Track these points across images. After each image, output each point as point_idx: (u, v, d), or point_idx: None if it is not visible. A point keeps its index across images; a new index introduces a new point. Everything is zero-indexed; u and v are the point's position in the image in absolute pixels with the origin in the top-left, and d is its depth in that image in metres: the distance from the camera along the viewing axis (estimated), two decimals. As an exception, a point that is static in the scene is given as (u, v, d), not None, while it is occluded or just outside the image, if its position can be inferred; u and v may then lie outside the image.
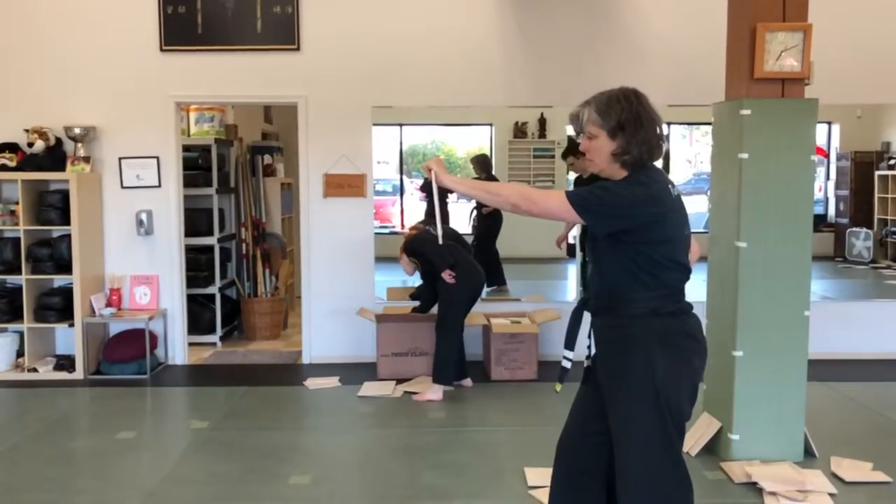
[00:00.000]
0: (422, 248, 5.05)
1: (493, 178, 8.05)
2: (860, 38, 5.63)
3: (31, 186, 5.46)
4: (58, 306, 5.44)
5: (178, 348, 5.85)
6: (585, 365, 2.38)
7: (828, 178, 11.09)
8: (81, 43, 5.64)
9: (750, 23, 3.70)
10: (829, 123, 10.80)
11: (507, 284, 7.53)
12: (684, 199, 2.31)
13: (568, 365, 2.37)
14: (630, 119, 2.19)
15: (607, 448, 2.32)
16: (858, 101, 6.12)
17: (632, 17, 5.72)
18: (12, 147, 5.52)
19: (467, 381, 5.14)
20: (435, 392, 4.86)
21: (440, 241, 2.89)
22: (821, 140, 10.61)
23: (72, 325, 5.43)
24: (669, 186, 2.25)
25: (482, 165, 8.09)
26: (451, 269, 4.92)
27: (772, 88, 3.74)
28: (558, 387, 2.45)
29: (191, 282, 6.13)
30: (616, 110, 2.20)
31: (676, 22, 5.67)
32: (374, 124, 5.77)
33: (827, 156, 10.97)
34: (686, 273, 2.28)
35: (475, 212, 7.84)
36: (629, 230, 2.18)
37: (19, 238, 5.39)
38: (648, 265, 2.19)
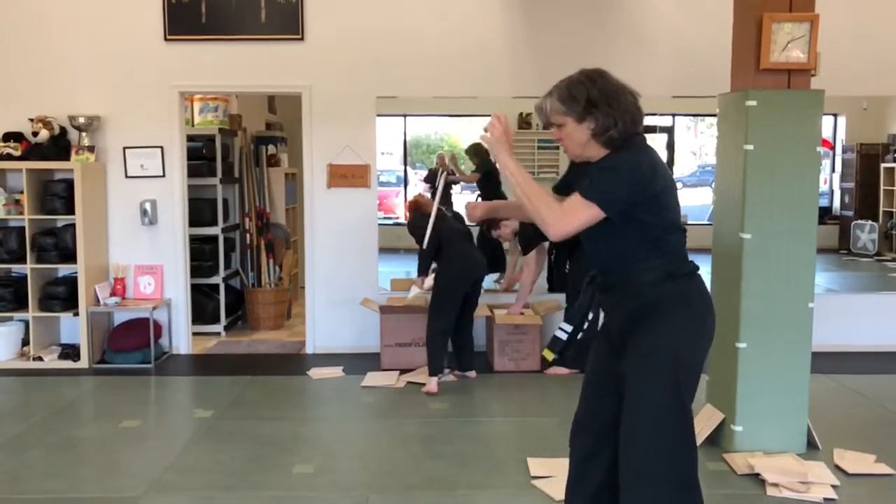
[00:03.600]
0: (418, 236, 5.03)
1: (490, 166, 8.01)
2: (867, 30, 5.59)
3: (36, 176, 5.47)
4: (62, 295, 5.46)
5: (182, 338, 5.86)
6: (598, 340, 2.36)
7: (833, 170, 11.05)
8: (85, 32, 5.63)
9: (756, 13, 3.68)
10: (835, 115, 10.75)
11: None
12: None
13: (563, 336, 2.37)
14: (599, 96, 2.18)
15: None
16: (865, 92, 6.11)
17: (637, 7, 5.70)
18: (17, 136, 5.53)
19: (471, 373, 5.14)
20: (431, 384, 4.85)
21: (424, 246, 2.89)
22: (826, 132, 10.56)
23: (76, 314, 5.45)
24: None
25: (479, 155, 8.07)
26: (434, 266, 4.93)
27: (778, 79, 3.73)
28: (550, 355, 2.45)
29: (195, 272, 6.14)
30: (581, 92, 2.19)
31: (682, 12, 5.64)
32: (378, 115, 5.76)
33: (832, 148, 10.93)
34: (685, 235, 2.31)
35: (479, 199, 7.84)
36: (642, 202, 2.18)
37: (24, 227, 5.40)
38: (658, 232, 2.21)
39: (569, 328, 2.36)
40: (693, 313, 2.23)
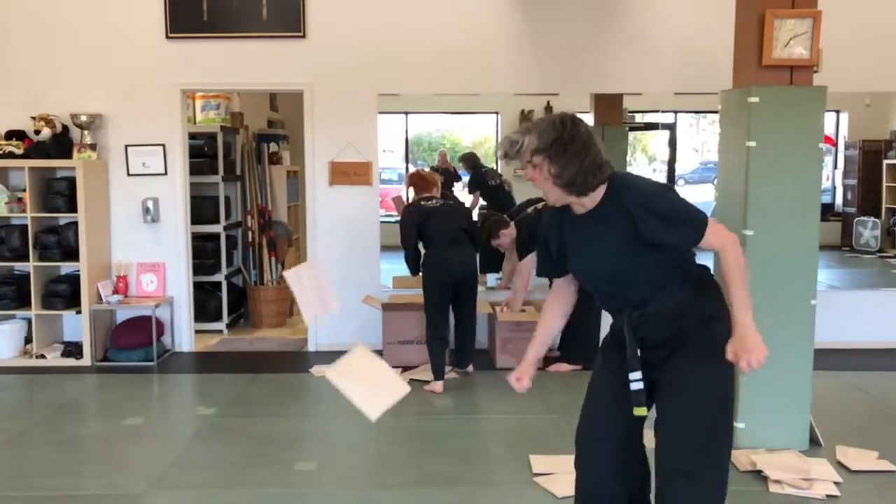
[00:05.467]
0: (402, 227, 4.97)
1: (482, 173, 8.00)
2: (870, 26, 5.58)
3: (38, 174, 5.48)
4: (65, 293, 5.46)
5: (184, 335, 5.87)
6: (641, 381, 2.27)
7: (835, 166, 11.03)
8: (87, 30, 5.64)
9: (758, 9, 3.67)
10: (838, 112, 10.73)
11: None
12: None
13: (640, 385, 2.25)
14: (577, 142, 2.13)
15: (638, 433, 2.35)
16: (867, 89, 6.09)
17: (639, 3, 5.68)
18: (19, 135, 5.54)
19: (469, 368, 5.13)
20: (435, 385, 4.84)
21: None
22: (829, 129, 10.54)
23: (79, 312, 5.46)
24: None
25: (471, 162, 8.07)
26: (421, 255, 4.88)
27: (780, 76, 3.72)
28: (643, 410, 2.28)
29: (197, 269, 6.14)
30: (561, 134, 2.13)
31: (684, 8, 5.63)
32: (380, 112, 5.76)
33: (835, 144, 10.92)
34: None
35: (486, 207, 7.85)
36: None
37: (26, 225, 5.41)
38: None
39: (638, 375, 2.25)
40: (724, 307, 2.27)
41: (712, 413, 2.21)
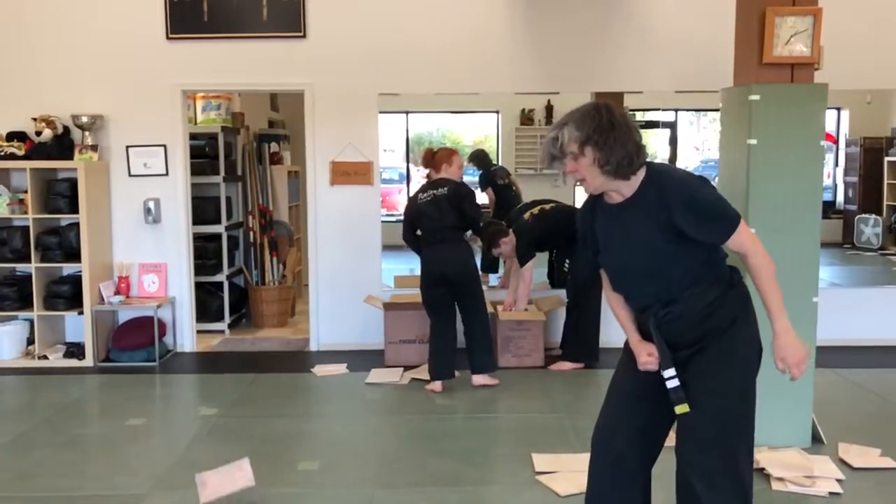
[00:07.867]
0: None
1: (491, 171, 7.96)
2: (870, 23, 5.58)
3: (40, 175, 5.48)
4: (67, 294, 5.47)
5: (186, 336, 5.88)
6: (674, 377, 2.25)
7: (836, 164, 11.02)
8: (88, 31, 5.64)
9: (759, 7, 3.67)
10: (839, 109, 10.72)
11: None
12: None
13: (678, 382, 2.24)
14: (615, 126, 2.13)
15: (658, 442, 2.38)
16: (868, 86, 6.09)
17: (640, 1, 5.68)
18: (20, 136, 5.55)
19: (477, 378, 4.87)
20: (434, 384, 4.82)
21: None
22: (830, 126, 10.53)
23: (81, 312, 5.46)
24: None
25: (479, 160, 8.02)
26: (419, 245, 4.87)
27: (781, 73, 3.71)
28: (685, 407, 2.24)
29: (198, 270, 6.15)
30: (599, 120, 2.13)
31: (684, 6, 5.63)
32: (381, 112, 5.76)
33: (836, 142, 10.90)
34: None
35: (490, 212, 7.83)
36: None
37: (28, 226, 5.42)
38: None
39: (672, 372, 2.24)
40: (750, 309, 2.31)
41: (735, 416, 2.22)
